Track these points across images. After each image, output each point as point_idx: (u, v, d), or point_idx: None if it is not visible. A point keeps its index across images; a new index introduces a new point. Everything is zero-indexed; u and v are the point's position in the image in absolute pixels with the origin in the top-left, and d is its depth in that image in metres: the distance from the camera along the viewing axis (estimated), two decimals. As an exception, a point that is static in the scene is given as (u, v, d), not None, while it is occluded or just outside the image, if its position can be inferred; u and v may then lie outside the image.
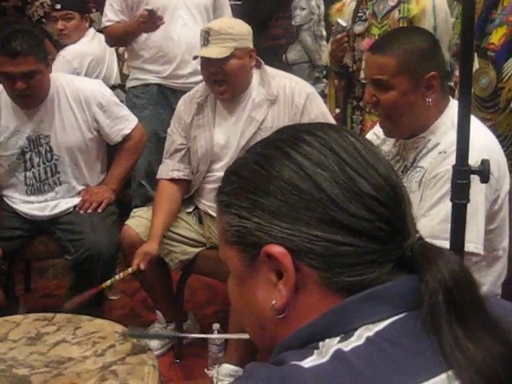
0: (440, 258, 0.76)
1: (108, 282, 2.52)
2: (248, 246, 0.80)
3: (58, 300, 3.34)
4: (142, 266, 2.51)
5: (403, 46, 1.93)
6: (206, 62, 2.58)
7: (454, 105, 1.95)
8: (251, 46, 2.63)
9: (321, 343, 0.73)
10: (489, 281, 1.98)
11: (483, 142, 1.86)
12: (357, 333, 0.73)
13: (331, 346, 0.72)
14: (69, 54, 3.76)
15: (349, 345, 0.72)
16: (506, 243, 2.01)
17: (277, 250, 0.77)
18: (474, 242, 1.81)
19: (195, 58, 2.70)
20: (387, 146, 2.10)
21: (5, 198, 2.94)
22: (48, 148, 2.86)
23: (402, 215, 0.80)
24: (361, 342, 0.72)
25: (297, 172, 0.78)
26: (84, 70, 3.72)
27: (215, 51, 2.53)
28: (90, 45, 3.87)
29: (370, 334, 0.73)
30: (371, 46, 2.10)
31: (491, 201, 1.90)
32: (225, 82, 2.59)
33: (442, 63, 2.03)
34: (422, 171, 1.94)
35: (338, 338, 0.73)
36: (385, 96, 1.93)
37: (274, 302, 0.79)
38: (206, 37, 2.55)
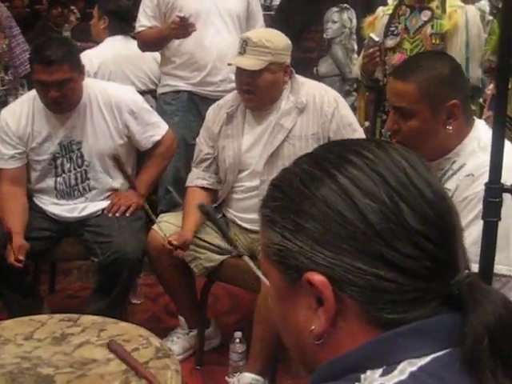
0: (487, 300, 0.74)
1: None
2: (289, 268, 0.78)
3: (82, 301, 3.37)
4: (175, 242, 2.56)
5: (424, 72, 1.90)
6: (240, 71, 2.60)
7: (479, 125, 1.94)
8: (288, 61, 2.62)
9: (362, 375, 0.72)
10: None
11: None
12: (399, 367, 0.72)
13: (373, 379, 0.71)
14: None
15: (392, 379, 0.71)
16: None
17: (318, 278, 0.75)
18: (506, 265, 1.79)
19: (229, 64, 2.71)
20: None
21: (34, 199, 2.98)
22: (79, 154, 2.89)
23: (450, 249, 0.77)
24: (404, 376, 0.71)
25: (343, 199, 0.76)
26: (92, 73, 3.71)
27: (250, 62, 2.54)
28: (103, 50, 3.89)
29: (414, 368, 0.71)
30: (393, 72, 2.08)
31: None
32: (254, 93, 2.60)
33: (464, 88, 1.98)
34: (449, 193, 1.93)
35: (380, 371, 0.72)
36: (406, 125, 1.90)
37: (313, 327, 0.77)
38: (244, 46, 2.55)
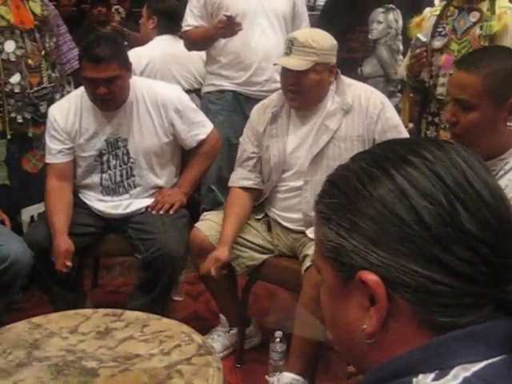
0: None
1: None
2: (343, 265, 0.79)
3: (124, 297, 3.41)
4: (213, 272, 2.54)
5: (489, 65, 1.85)
6: (285, 71, 2.60)
7: None
8: (333, 61, 2.61)
9: (414, 379, 0.72)
10: None
11: None
12: (453, 372, 0.71)
13: (426, 383, 0.71)
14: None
15: None
16: None
17: (371, 278, 0.75)
18: None
19: (275, 64, 2.72)
20: None
21: (80, 195, 3.02)
22: (125, 151, 2.93)
23: (507, 254, 0.75)
24: (457, 381, 0.70)
25: (400, 200, 0.75)
26: (139, 71, 3.74)
27: (295, 62, 2.54)
28: (151, 48, 3.92)
29: (468, 374, 0.70)
30: (457, 62, 2.05)
31: None
32: (299, 93, 2.60)
33: None
34: None
35: (432, 375, 0.71)
36: (466, 117, 1.86)
37: (364, 326, 0.77)
38: (290, 46, 2.55)
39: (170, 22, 3.93)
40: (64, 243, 2.71)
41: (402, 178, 0.76)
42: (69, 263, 2.66)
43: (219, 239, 2.67)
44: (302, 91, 2.58)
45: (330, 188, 0.83)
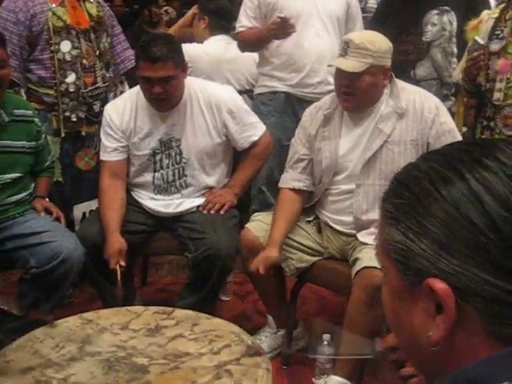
0: None
1: None
2: (410, 269, 0.76)
3: (172, 295, 3.44)
4: (261, 270, 2.55)
5: None
6: (339, 73, 2.58)
7: None
8: (388, 64, 2.58)
9: None
10: None
11: None
12: None
13: None
14: None
15: None
16: None
17: (441, 286, 0.72)
18: None
19: (329, 65, 2.71)
20: None
21: (132, 193, 3.05)
22: (178, 151, 2.95)
23: None
24: None
25: (475, 205, 0.72)
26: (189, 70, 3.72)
27: (350, 64, 2.52)
28: (205, 48, 3.92)
29: None
30: None
31: None
32: (353, 95, 2.58)
33: None
34: None
35: None
36: None
37: (430, 333, 0.75)
38: (345, 48, 2.54)
39: (222, 21, 3.94)
40: (117, 242, 2.75)
41: (477, 183, 0.73)
42: (122, 263, 2.69)
43: (268, 239, 2.67)
44: (356, 93, 2.56)
45: (399, 188, 0.80)
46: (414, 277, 0.76)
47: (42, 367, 1.90)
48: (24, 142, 2.84)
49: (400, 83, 2.69)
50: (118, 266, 2.68)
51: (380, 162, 2.60)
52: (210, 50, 3.87)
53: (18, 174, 2.84)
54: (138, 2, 7.35)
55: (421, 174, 0.78)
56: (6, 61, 2.69)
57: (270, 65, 3.61)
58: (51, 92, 3.19)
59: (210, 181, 3.03)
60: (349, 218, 2.70)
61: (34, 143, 2.89)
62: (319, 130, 2.73)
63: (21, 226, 2.82)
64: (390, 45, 2.61)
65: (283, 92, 3.61)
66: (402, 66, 5.00)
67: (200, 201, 2.99)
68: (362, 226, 2.65)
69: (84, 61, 3.23)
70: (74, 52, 3.19)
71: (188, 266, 2.89)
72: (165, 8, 7.37)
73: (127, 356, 1.95)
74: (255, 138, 3.02)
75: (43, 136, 2.98)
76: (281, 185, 2.85)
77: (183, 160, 2.96)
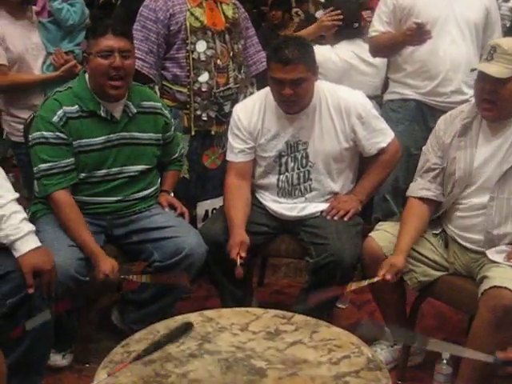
0: None
1: (353, 286, 2.55)
2: None
3: (288, 298, 3.44)
4: (389, 277, 2.50)
5: None
6: (483, 78, 2.47)
7: None
8: None
9: None
10: None
11: None
12: None
13: None
14: None
15: None
16: None
17: None
18: None
19: (472, 70, 2.62)
20: None
21: (256, 194, 3.07)
22: (304, 154, 2.94)
23: None
24: None
25: None
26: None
27: (495, 69, 2.41)
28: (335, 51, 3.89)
29: None
30: None
31: None
32: (495, 103, 2.47)
33: None
34: None
35: None
36: None
37: None
38: (491, 52, 2.43)
39: (345, 25, 3.88)
40: (240, 235, 2.76)
41: None
42: (243, 254, 2.69)
43: (395, 247, 2.61)
44: (499, 101, 2.45)
45: None
46: None
47: (162, 361, 1.93)
48: (151, 134, 2.91)
49: None
50: (238, 257, 2.68)
51: None
52: (340, 54, 3.84)
53: (145, 166, 2.91)
54: (266, 3, 7.40)
55: None
56: (130, 51, 2.75)
57: (403, 71, 3.54)
58: (184, 90, 3.27)
59: (335, 186, 2.99)
60: (478, 236, 2.59)
61: (160, 135, 2.95)
62: (454, 140, 2.63)
63: (146, 220, 2.90)
64: None
65: (414, 100, 3.54)
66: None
67: (324, 206, 2.96)
68: (492, 241, 2.54)
69: (218, 61, 3.28)
70: (209, 52, 3.25)
71: (308, 270, 2.86)
72: (295, 10, 7.38)
73: (245, 358, 1.95)
74: (383, 145, 2.96)
75: (173, 128, 3.05)
76: (409, 193, 2.78)
77: (309, 164, 2.94)
